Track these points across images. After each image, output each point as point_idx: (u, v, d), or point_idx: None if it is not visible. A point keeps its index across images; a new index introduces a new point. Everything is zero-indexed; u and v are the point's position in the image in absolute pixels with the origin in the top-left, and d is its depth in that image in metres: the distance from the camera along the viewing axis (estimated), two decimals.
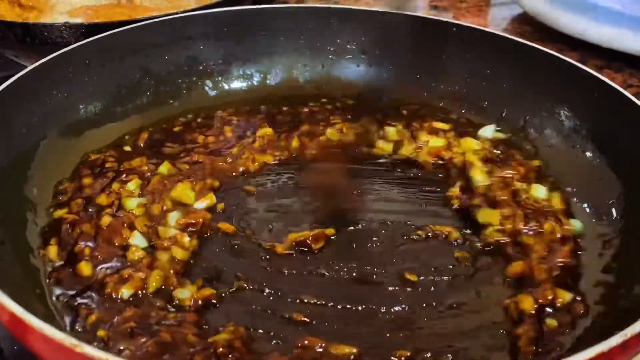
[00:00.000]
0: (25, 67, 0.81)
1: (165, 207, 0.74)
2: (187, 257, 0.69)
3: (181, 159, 0.83)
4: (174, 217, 0.73)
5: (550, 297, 0.63)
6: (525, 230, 0.72)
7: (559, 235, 0.71)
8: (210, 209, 0.76)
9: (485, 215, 0.75)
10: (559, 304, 0.63)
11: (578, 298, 0.64)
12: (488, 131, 0.89)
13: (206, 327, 0.61)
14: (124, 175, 0.79)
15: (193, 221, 0.72)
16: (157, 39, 0.95)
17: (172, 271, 0.67)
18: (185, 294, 0.64)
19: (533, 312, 0.63)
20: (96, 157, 0.83)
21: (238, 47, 1.00)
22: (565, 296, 0.64)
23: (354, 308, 0.64)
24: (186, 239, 0.70)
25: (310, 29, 1.01)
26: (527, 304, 0.63)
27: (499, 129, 0.90)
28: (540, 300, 0.63)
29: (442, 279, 0.67)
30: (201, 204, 0.76)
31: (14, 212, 0.70)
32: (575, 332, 0.61)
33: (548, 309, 0.63)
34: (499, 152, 0.85)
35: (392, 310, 0.64)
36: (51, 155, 0.79)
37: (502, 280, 0.68)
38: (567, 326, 0.61)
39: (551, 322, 0.62)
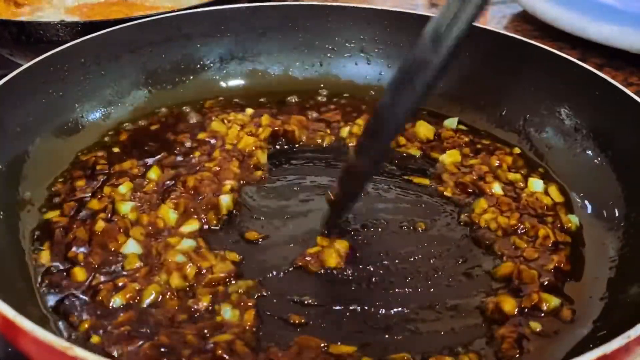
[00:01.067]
0: (21, 65, 0.80)
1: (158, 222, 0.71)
2: (186, 286, 0.64)
3: (172, 160, 0.82)
4: (185, 244, 0.68)
5: (535, 301, 0.63)
6: (520, 232, 0.72)
7: (553, 241, 0.71)
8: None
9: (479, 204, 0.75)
10: (545, 308, 0.63)
11: (566, 303, 0.63)
12: (451, 122, 0.91)
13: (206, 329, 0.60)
14: (115, 179, 0.78)
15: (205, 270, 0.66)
16: (153, 37, 0.94)
17: (169, 292, 0.63)
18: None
19: (515, 314, 0.62)
20: (87, 157, 0.82)
21: (235, 46, 0.99)
22: (551, 301, 0.63)
23: (352, 308, 0.63)
24: (189, 268, 0.65)
25: (308, 27, 1.00)
26: (509, 305, 0.62)
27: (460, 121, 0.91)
28: (524, 304, 0.63)
29: (440, 279, 0.67)
30: (186, 228, 0.71)
31: (8, 213, 0.70)
32: (575, 336, 0.60)
33: (534, 313, 0.62)
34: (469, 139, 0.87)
35: (391, 311, 0.63)
36: (45, 155, 0.79)
37: (499, 282, 0.67)
38: (553, 331, 0.61)
39: (535, 326, 0.61)
